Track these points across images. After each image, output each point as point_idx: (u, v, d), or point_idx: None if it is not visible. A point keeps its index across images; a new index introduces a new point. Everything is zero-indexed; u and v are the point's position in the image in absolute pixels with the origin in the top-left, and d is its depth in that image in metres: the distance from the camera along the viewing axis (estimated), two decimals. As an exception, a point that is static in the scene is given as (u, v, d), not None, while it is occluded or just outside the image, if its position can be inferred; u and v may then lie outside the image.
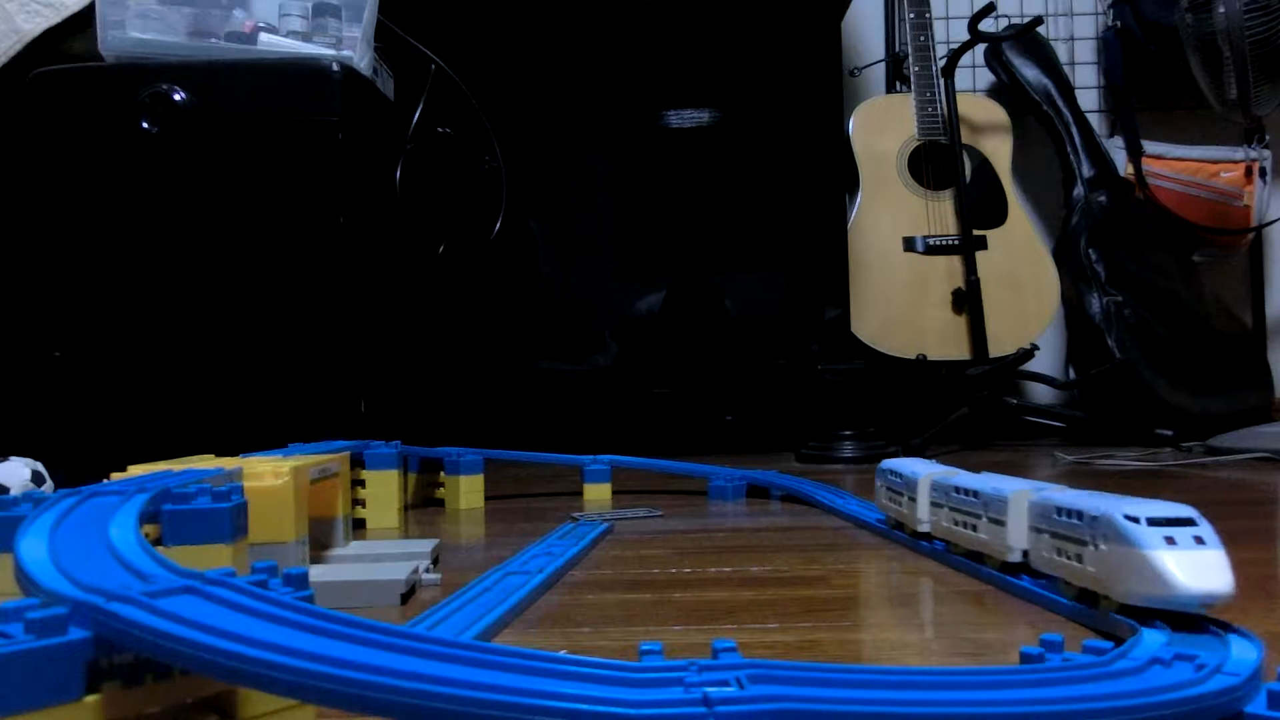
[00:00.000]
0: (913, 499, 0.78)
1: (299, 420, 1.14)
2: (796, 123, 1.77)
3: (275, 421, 1.15)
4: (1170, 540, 0.48)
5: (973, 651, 0.53)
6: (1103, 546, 0.52)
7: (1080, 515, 0.55)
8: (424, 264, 1.46)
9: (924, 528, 0.76)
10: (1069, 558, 0.56)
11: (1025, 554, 0.63)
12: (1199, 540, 0.48)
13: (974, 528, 0.68)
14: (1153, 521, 0.50)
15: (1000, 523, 0.64)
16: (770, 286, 1.80)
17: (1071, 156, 1.99)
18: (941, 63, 1.88)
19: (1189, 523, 0.50)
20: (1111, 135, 2.11)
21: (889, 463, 0.85)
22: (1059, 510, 0.58)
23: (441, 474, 1.17)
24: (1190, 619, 0.47)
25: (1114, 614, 0.51)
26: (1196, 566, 0.47)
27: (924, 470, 0.78)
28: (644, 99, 1.79)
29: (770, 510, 1.07)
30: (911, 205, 1.86)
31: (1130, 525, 0.50)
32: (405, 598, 0.68)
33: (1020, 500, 0.63)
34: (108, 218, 1.18)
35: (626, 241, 1.81)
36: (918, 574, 0.73)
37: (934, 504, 0.76)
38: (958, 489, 0.71)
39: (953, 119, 1.84)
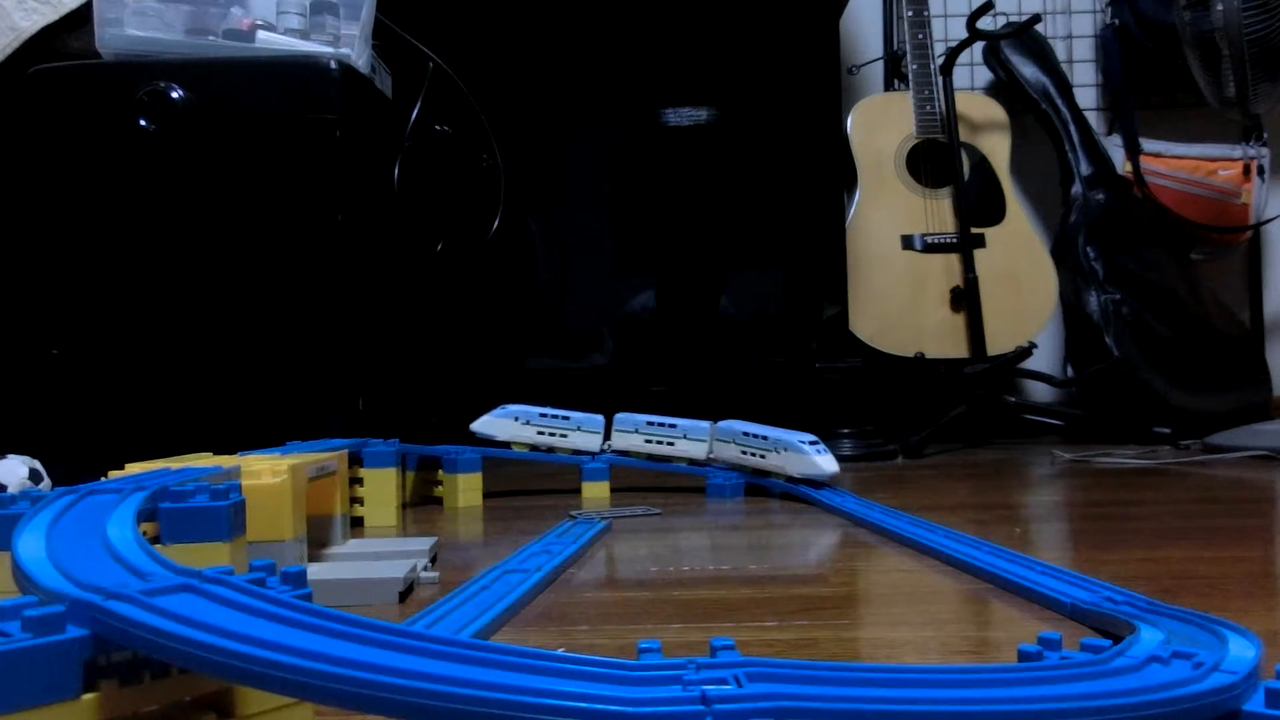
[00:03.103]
0: (577, 431, 1.22)
1: (297, 418, 1.14)
2: (795, 121, 1.77)
3: (273, 420, 1.15)
4: (817, 449, 1.09)
5: (971, 649, 0.53)
6: (784, 452, 1.10)
7: (765, 438, 1.13)
8: (422, 262, 1.46)
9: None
10: (751, 456, 1.14)
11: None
12: (824, 450, 1.10)
13: (672, 443, 1.20)
14: (809, 442, 1.09)
15: (690, 439, 1.19)
16: (768, 285, 1.79)
17: (1070, 154, 1.99)
18: (940, 61, 1.88)
19: (818, 442, 1.10)
20: (1109, 133, 2.11)
21: (510, 408, 1.22)
22: (744, 434, 1.15)
23: (440, 472, 1.17)
24: (1188, 620, 0.48)
25: (784, 484, 1.12)
26: (825, 460, 1.09)
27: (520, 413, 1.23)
28: (642, 97, 1.78)
29: (769, 509, 1.07)
30: (910, 203, 1.86)
31: (802, 445, 1.09)
32: (403, 596, 0.68)
33: (712, 430, 1.19)
34: (105, 216, 1.18)
35: (625, 239, 1.81)
36: (916, 572, 0.73)
37: (622, 431, 1.21)
38: (652, 423, 1.20)
39: (951, 117, 1.84)
